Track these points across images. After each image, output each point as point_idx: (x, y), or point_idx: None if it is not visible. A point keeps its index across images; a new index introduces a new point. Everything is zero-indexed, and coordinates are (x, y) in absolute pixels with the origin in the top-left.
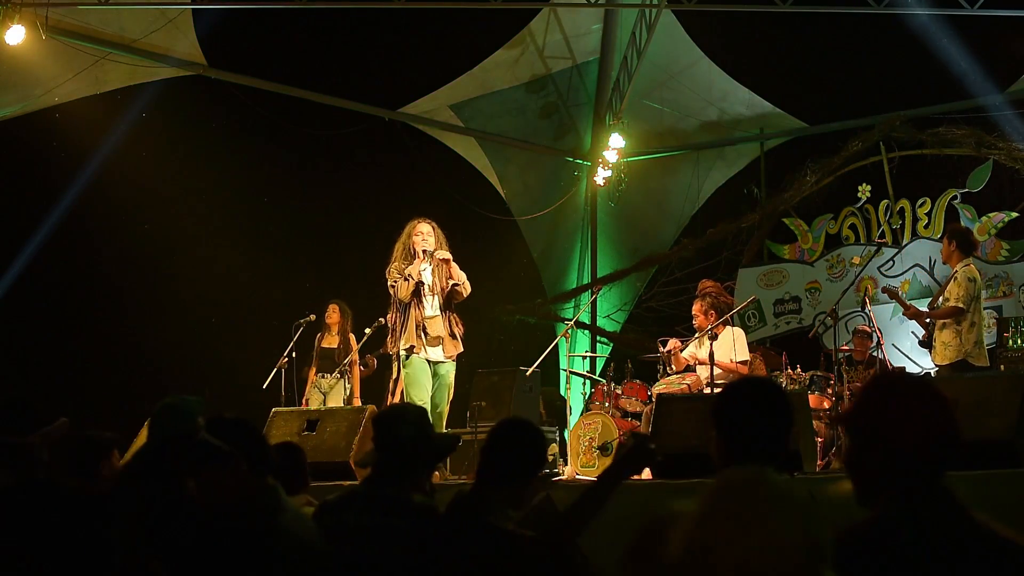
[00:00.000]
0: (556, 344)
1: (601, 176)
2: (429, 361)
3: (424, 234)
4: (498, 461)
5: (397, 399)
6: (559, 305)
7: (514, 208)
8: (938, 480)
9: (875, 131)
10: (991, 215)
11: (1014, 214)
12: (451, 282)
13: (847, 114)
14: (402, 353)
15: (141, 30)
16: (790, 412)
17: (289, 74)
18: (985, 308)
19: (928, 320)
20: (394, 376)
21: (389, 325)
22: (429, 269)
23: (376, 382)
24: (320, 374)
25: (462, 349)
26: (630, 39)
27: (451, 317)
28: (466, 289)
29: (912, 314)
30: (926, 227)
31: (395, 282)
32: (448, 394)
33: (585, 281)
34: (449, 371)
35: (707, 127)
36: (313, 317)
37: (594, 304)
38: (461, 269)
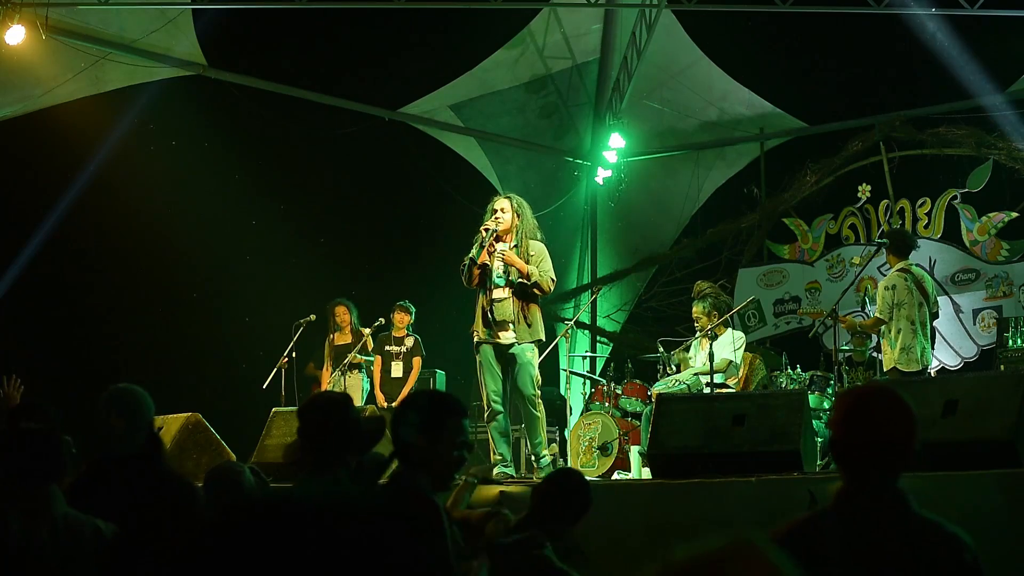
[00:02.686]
0: (556, 344)
1: (601, 176)
2: (500, 346)
3: (498, 211)
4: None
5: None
6: (559, 305)
7: None
8: (889, 480)
9: (875, 131)
10: (991, 215)
11: (1014, 214)
12: (519, 280)
13: (847, 114)
14: (475, 342)
15: (141, 30)
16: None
17: (289, 74)
18: (985, 308)
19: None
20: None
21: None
22: (503, 248)
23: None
24: (336, 372)
25: (541, 337)
26: (630, 39)
27: (523, 303)
28: (542, 288)
29: (847, 326)
30: (926, 227)
31: (463, 266)
32: (529, 379)
33: (585, 281)
34: (523, 353)
35: (707, 127)
36: (313, 317)
37: (594, 304)
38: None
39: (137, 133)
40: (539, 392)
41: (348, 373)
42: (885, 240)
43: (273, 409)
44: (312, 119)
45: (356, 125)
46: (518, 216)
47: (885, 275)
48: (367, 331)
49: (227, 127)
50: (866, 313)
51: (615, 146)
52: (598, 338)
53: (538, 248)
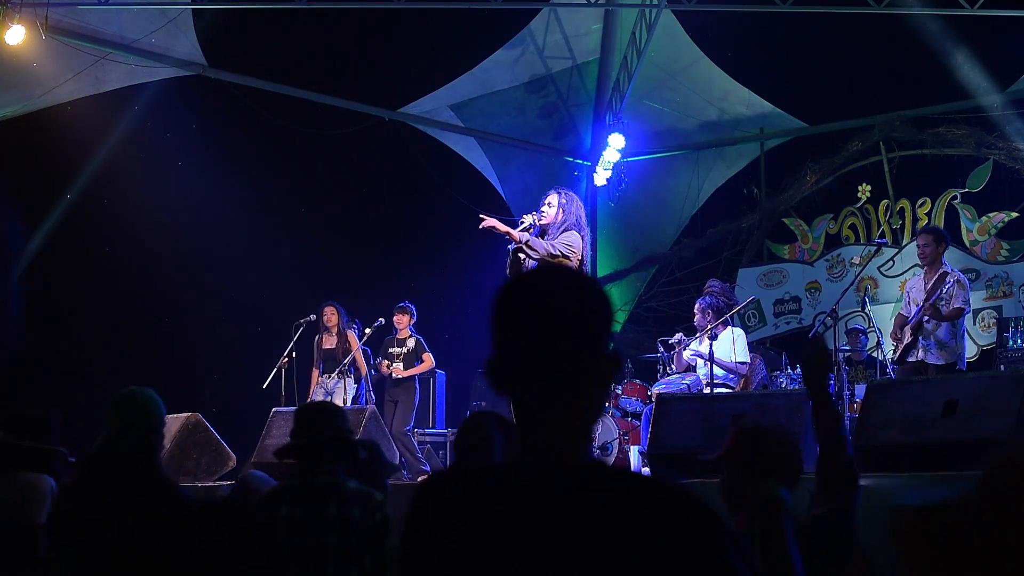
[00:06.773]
0: None
1: (601, 176)
2: None
3: (544, 205)
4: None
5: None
6: None
7: (514, 208)
8: (777, 500)
9: (875, 131)
10: (991, 215)
11: (1014, 214)
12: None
13: (847, 114)
14: None
15: (141, 30)
16: None
17: (289, 74)
18: (985, 308)
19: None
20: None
21: None
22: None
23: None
24: (325, 375)
25: None
26: (630, 39)
27: None
28: (549, 256)
29: (909, 325)
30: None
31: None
32: None
33: None
34: None
35: (707, 127)
36: (313, 317)
37: None
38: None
39: (137, 133)
40: None
41: (340, 376)
42: (944, 238)
43: (273, 409)
44: (312, 119)
45: (356, 125)
46: (563, 211)
47: (887, 276)
48: (352, 334)
49: (227, 127)
50: (866, 313)
51: (615, 146)
52: None
53: (568, 233)
